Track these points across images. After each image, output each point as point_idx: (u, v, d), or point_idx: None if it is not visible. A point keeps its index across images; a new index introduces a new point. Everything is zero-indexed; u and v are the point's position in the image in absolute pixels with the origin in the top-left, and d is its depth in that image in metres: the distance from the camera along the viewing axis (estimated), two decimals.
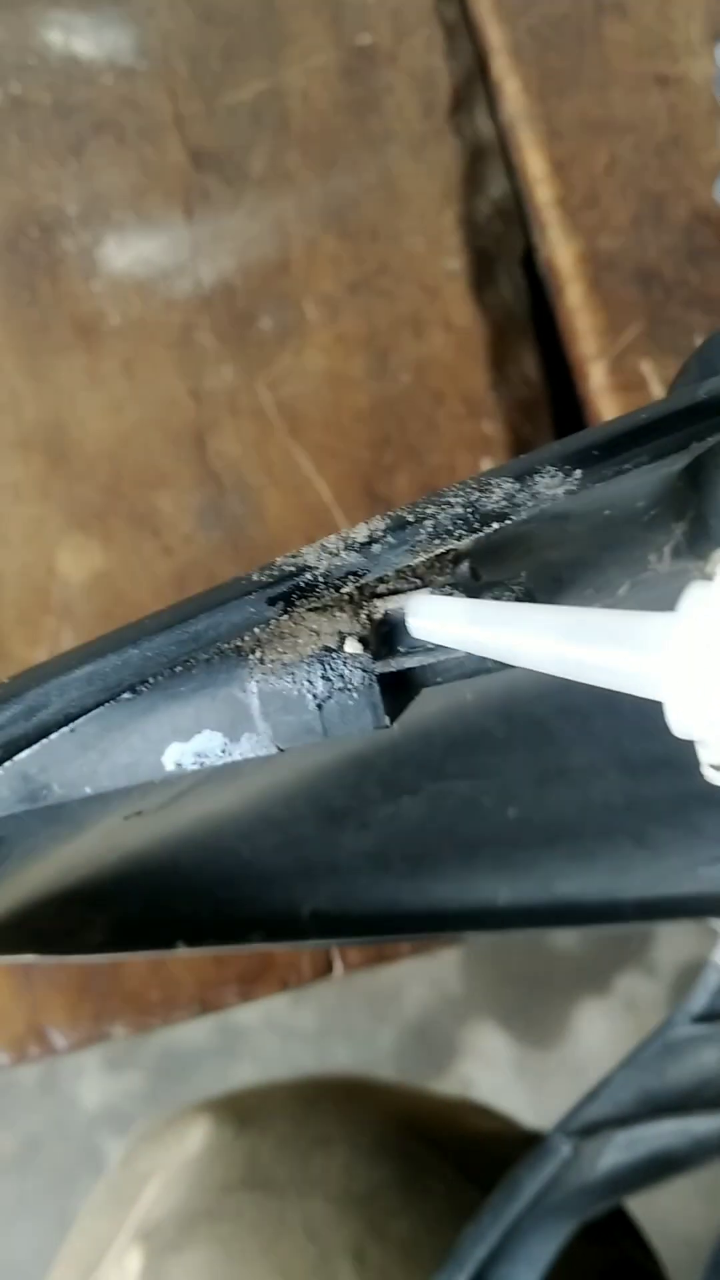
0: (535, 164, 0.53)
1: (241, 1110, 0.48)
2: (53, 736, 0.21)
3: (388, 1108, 0.48)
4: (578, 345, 0.51)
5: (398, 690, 0.21)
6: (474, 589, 0.20)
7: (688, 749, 0.40)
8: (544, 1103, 1.16)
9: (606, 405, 0.49)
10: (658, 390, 0.49)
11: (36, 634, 0.46)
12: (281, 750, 0.21)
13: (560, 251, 0.52)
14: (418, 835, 0.37)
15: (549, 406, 0.51)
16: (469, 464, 0.48)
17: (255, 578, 0.20)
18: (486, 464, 0.48)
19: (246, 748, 0.21)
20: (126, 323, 0.50)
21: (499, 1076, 1.18)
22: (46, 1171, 1.17)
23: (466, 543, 0.20)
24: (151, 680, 0.21)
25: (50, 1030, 0.41)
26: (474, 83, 0.56)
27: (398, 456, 0.49)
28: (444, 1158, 0.46)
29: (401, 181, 0.53)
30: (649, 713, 0.41)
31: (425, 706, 0.36)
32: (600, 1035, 1.16)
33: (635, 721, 0.38)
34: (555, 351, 0.53)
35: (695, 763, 0.42)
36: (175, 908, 0.34)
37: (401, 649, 0.21)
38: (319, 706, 0.21)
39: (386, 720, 0.21)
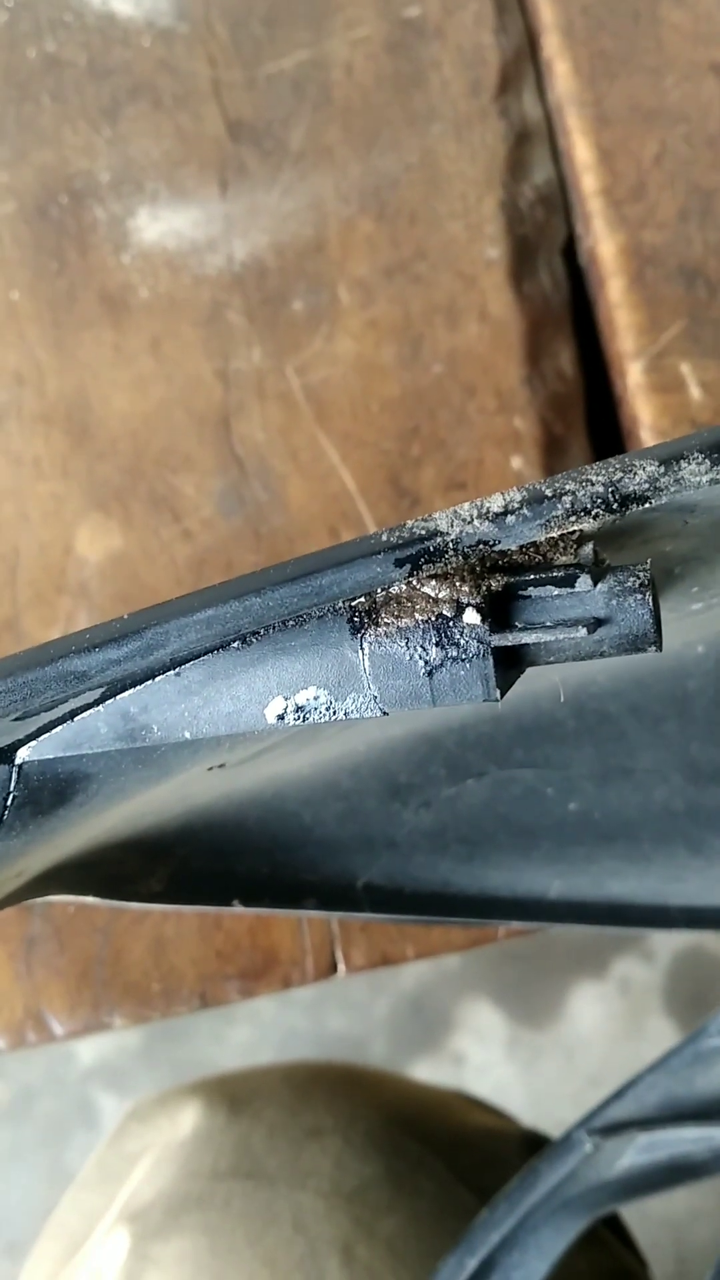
0: (582, 151, 0.52)
1: (234, 1094, 0.48)
2: (158, 679, 0.21)
3: (381, 1100, 0.49)
4: (616, 342, 0.50)
5: (508, 665, 0.21)
6: (597, 573, 0.20)
7: None
8: (533, 1081, 1.17)
9: (643, 405, 0.48)
10: (696, 393, 0.48)
11: (52, 614, 0.45)
12: (385, 714, 0.21)
13: (603, 244, 0.51)
14: (477, 819, 0.38)
15: (583, 404, 0.50)
16: (498, 460, 0.48)
17: (385, 537, 0.20)
18: (516, 462, 0.47)
19: (351, 707, 0.21)
20: (155, 298, 0.49)
21: (490, 1052, 1.19)
22: (40, 1123, 1.19)
23: (594, 524, 0.20)
24: (262, 632, 0.21)
25: (49, 1017, 0.41)
26: (523, 62, 0.54)
27: (425, 449, 0.48)
28: (436, 1154, 0.46)
29: (443, 163, 0.52)
30: None
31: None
32: (594, 1017, 1.17)
33: (706, 728, 0.38)
34: (592, 346, 0.52)
35: None
36: (234, 865, 0.35)
37: (518, 624, 0.21)
38: (429, 674, 0.21)
39: (497, 694, 0.21)
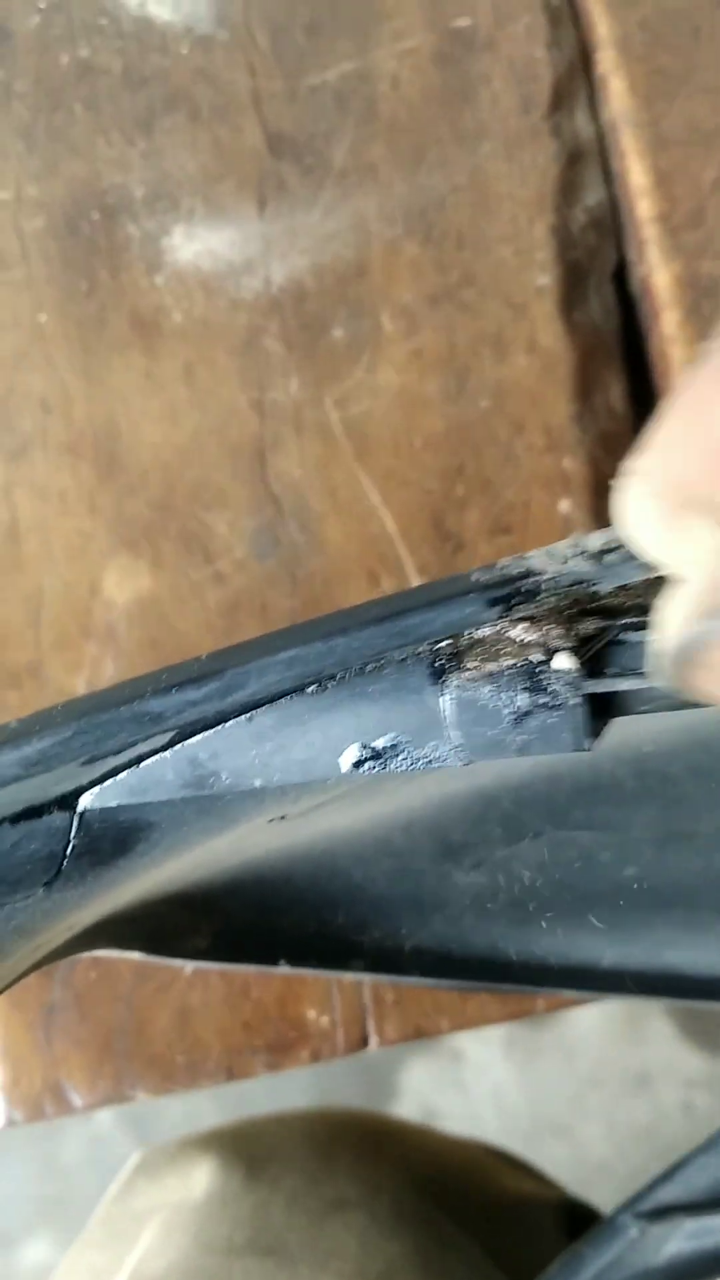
0: (638, 174, 0.49)
1: (251, 1153, 0.45)
2: (229, 724, 0.21)
3: (408, 1163, 0.46)
4: (670, 378, 0.47)
5: (600, 713, 0.20)
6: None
7: None
8: (531, 1080, 1.16)
9: None
10: None
11: (77, 659, 0.43)
12: (468, 763, 0.20)
13: (658, 273, 0.48)
14: (531, 882, 0.36)
15: (634, 442, 0.48)
16: (546, 503, 0.45)
17: (477, 577, 0.19)
18: (565, 505, 0.45)
19: (433, 756, 0.20)
20: (189, 322, 0.47)
21: (489, 1051, 1.18)
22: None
23: None
24: (340, 676, 0.20)
25: (68, 1088, 0.39)
26: (576, 77, 0.51)
27: (470, 489, 0.45)
28: (468, 1231, 0.44)
29: (493, 184, 0.49)
30: None
31: None
32: (592, 1017, 1.16)
33: None
34: (642, 377, 0.49)
35: None
36: (280, 923, 0.34)
37: (612, 670, 0.20)
38: (517, 721, 0.20)
39: (588, 744, 0.20)
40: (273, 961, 0.33)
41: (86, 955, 0.39)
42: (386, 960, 0.35)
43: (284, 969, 0.33)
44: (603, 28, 0.51)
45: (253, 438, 0.46)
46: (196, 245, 0.48)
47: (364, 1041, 0.40)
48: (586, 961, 0.37)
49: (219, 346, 0.47)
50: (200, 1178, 0.46)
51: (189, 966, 0.39)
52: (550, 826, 0.36)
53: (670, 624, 0.14)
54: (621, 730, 0.34)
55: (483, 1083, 1.17)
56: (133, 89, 0.50)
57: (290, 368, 0.47)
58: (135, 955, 0.31)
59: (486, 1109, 1.17)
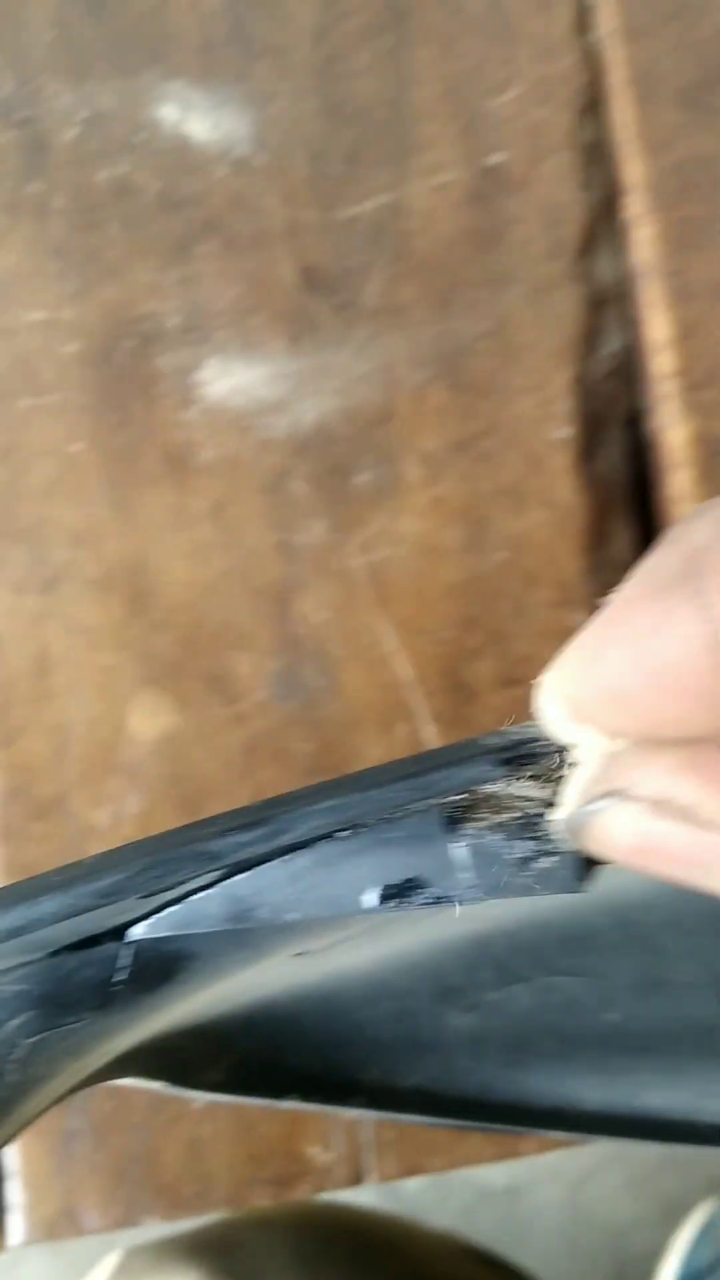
0: (659, 327, 0.51)
1: (235, 1268, 0.47)
2: (269, 864, 0.23)
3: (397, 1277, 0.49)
4: None
5: (592, 859, 0.23)
6: None
7: None
8: None
9: None
10: None
11: (101, 794, 0.45)
12: (479, 902, 0.23)
13: (673, 430, 0.50)
14: (521, 1025, 0.38)
15: None
16: (552, 657, 0.47)
17: (488, 741, 0.23)
18: None
19: (446, 895, 0.23)
20: (219, 460, 0.48)
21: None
22: None
23: None
24: (367, 823, 0.23)
25: (81, 1213, 0.42)
26: (602, 221, 0.53)
27: (483, 640, 0.47)
28: None
29: (519, 331, 0.51)
30: None
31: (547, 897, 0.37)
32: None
33: None
34: (650, 523, 0.51)
35: None
36: (290, 1060, 0.36)
37: None
38: (521, 865, 0.23)
39: (584, 885, 0.23)
40: (281, 1096, 0.36)
41: (105, 1085, 0.42)
42: (385, 1098, 0.37)
43: (291, 1104, 0.36)
44: (634, 170, 0.52)
45: (277, 580, 0.48)
46: (230, 381, 0.49)
47: (361, 1178, 0.43)
48: (571, 1103, 0.39)
49: (248, 486, 0.48)
50: None
51: (202, 1100, 0.41)
52: (539, 972, 0.39)
53: (567, 801, 0.18)
54: (603, 882, 0.37)
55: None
56: (169, 212, 0.51)
57: (317, 510, 0.48)
58: (158, 1086, 0.33)
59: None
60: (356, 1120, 0.43)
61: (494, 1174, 1.20)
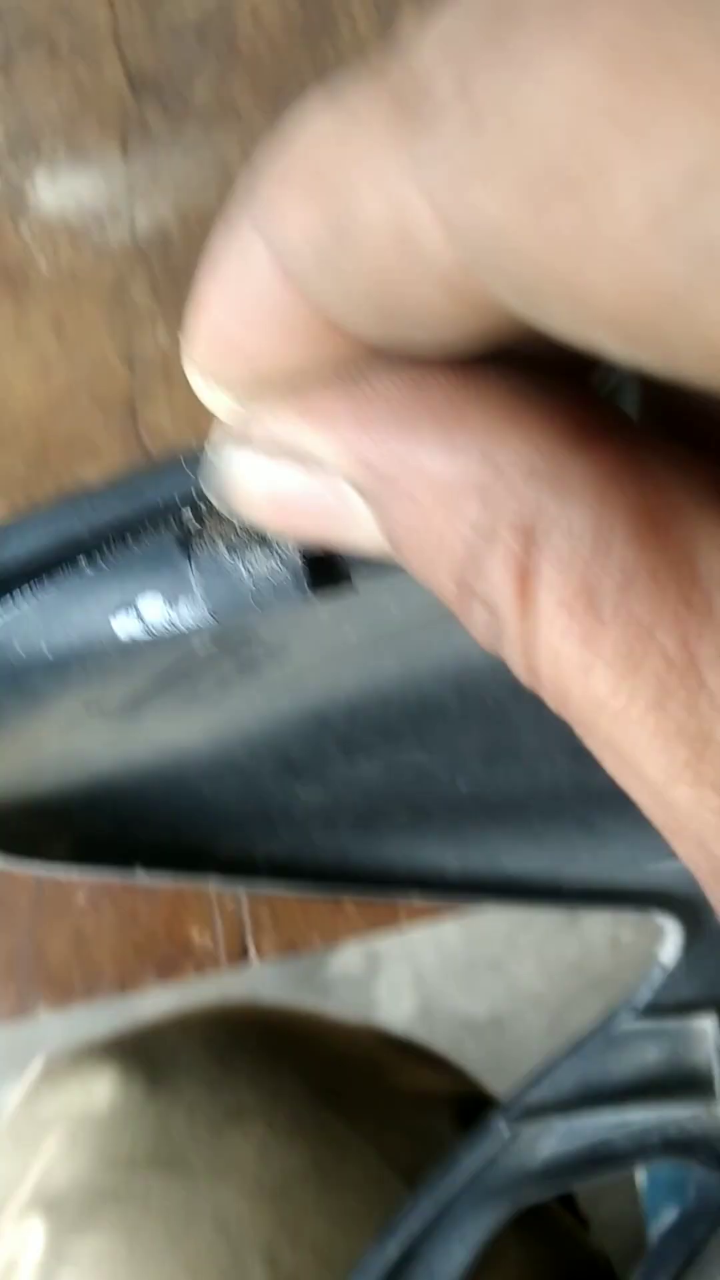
0: None
1: (152, 1063, 0.48)
2: (21, 607, 0.24)
3: (306, 1066, 0.50)
4: None
5: (321, 570, 0.24)
6: None
7: None
8: (465, 922, 1.24)
9: None
10: None
11: None
12: (217, 622, 0.24)
13: None
14: (372, 796, 0.39)
15: None
16: None
17: (194, 448, 0.23)
18: None
19: (186, 615, 0.24)
20: (56, 273, 0.48)
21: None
22: None
23: None
24: (104, 550, 0.24)
25: None
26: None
27: None
28: (365, 1139, 0.47)
29: None
30: None
31: (381, 669, 0.38)
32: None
33: None
34: None
35: None
36: (138, 834, 0.37)
37: None
38: (252, 580, 0.23)
39: (309, 592, 0.23)
40: (130, 868, 0.37)
41: None
42: (239, 868, 0.38)
43: (141, 876, 0.37)
44: None
45: (123, 390, 0.47)
46: (60, 192, 0.48)
47: (244, 955, 0.44)
48: (433, 869, 0.40)
49: (87, 297, 0.48)
50: (102, 1088, 0.48)
51: (47, 873, 0.41)
52: (385, 746, 0.39)
53: (213, 463, 0.18)
54: (438, 654, 0.37)
55: (421, 926, 1.25)
56: None
57: (157, 317, 0.48)
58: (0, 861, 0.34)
59: (426, 949, 1.25)
60: (234, 906, 0.44)
61: (477, 1007, 1.24)
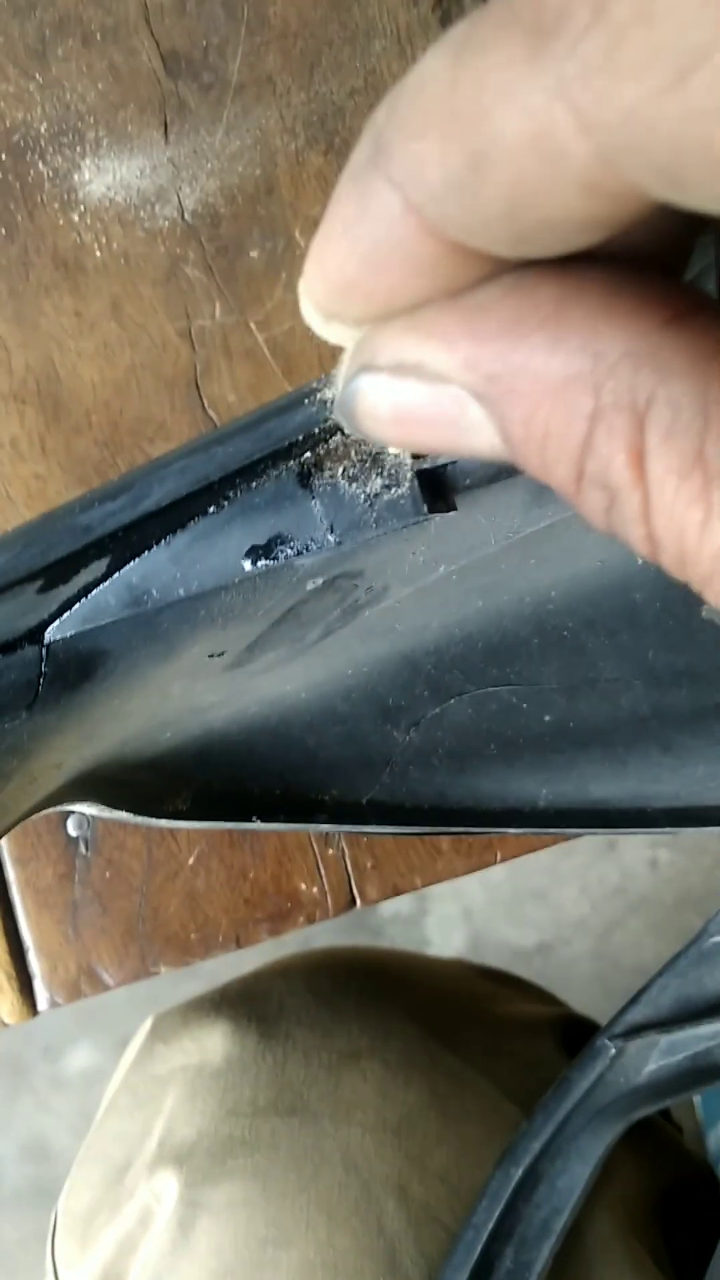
0: None
1: (261, 1014, 0.50)
2: (153, 549, 0.25)
3: (410, 1005, 0.52)
4: None
5: (434, 490, 0.25)
6: None
7: (709, 662, 0.44)
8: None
9: None
10: None
11: None
12: (340, 544, 0.25)
13: None
14: (463, 735, 0.41)
15: None
16: None
17: (313, 385, 0.24)
18: None
19: (311, 542, 0.25)
20: (110, 257, 0.49)
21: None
22: None
23: None
24: (231, 495, 0.25)
25: (100, 970, 0.45)
26: None
27: None
28: (477, 1069, 0.49)
29: (389, 83, 0.50)
30: (672, 628, 0.44)
31: (466, 608, 0.40)
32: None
33: (658, 636, 0.41)
34: None
35: (717, 675, 0.44)
36: (250, 787, 0.39)
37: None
38: (370, 503, 0.25)
39: (425, 509, 0.25)
40: (246, 819, 0.39)
41: (99, 857, 0.44)
42: (347, 814, 0.40)
43: (257, 825, 0.39)
44: None
45: (185, 367, 0.48)
46: (107, 178, 0.49)
47: (352, 903, 0.46)
48: (525, 802, 0.42)
49: (142, 279, 0.49)
50: (216, 1042, 0.49)
51: (171, 826, 0.43)
52: (471, 685, 0.41)
53: (338, 382, 0.19)
54: (516, 592, 0.39)
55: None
56: (21, 17, 0.50)
57: (213, 293, 0.49)
58: (123, 815, 0.36)
59: (472, 885, 1.28)
60: (339, 857, 0.46)
61: (525, 937, 1.26)
